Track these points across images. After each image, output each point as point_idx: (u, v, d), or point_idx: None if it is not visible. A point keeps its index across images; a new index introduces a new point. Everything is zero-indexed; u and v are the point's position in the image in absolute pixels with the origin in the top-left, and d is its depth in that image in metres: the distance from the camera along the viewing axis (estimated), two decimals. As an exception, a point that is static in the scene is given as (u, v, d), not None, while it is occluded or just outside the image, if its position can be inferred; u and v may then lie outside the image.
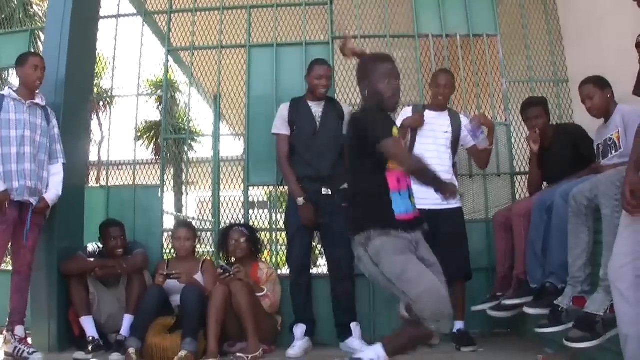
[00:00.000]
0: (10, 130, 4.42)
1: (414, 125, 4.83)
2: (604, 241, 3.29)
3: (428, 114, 4.94)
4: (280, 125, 5.01)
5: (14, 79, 7.19)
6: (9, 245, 4.56)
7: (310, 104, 4.97)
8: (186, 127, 7.13)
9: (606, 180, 3.34)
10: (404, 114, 5.02)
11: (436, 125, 4.90)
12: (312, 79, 4.94)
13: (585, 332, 3.24)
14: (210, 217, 6.36)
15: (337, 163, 4.84)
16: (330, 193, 4.78)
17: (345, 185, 4.85)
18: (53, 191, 4.65)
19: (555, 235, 3.89)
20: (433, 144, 4.85)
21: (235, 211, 6.11)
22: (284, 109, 5.05)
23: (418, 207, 4.71)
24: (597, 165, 4.17)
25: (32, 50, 6.06)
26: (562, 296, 3.65)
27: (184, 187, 6.78)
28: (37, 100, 4.63)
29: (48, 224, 4.76)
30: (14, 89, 4.63)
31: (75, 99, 5.24)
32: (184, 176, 6.67)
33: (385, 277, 3.12)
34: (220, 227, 5.61)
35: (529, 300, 4.03)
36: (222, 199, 5.98)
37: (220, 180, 5.93)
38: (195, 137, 16.43)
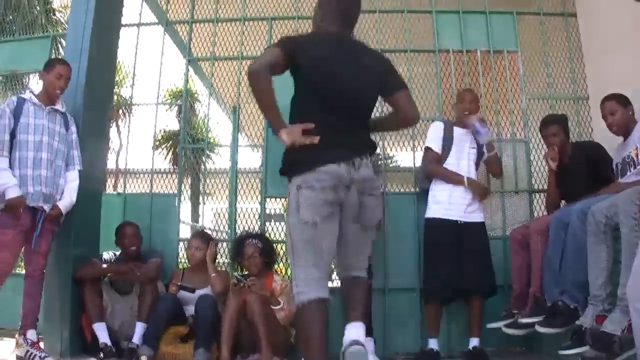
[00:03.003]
0: (29, 134, 4.43)
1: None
2: (622, 260, 3.27)
3: (457, 130, 4.97)
4: None
5: (34, 83, 7.27)
6: (22, 250, 4.56)
7: None
8: (204, 138, 7.12)
9: (625, 198, 3.32)
10: (436, 129, 5.05)
11: (465, 142, 4.93)
12: None
13: (602, 351, 3.21)
14: (226, 228, 6.33)
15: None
16: None
17: None
18: (67, 199, 4.65)
19: (570, 254, 3.86)
20: (464, 159, 4.91)
21: (251, 223, 6.09)
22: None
23: (448, 217, 4.78)
24: (616, 184, 4.13)
25: (54, 56, 6.12)
26: (583, 316, 3.60)
27: (200, 197, 6.75)
28: (57, 106, 4.65)
29: (64, 230, 4.76)
30: (35, 92, 4.65)
31: (95, 106, 5.25)
32: (201, 186, 6.65)
33: None
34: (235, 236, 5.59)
35: (544, 317, 3.99)
36: (238, 210, 5.97)
37: (238, 192, 5.93)
38: (214, 148, 16.58)
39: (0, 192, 4.26)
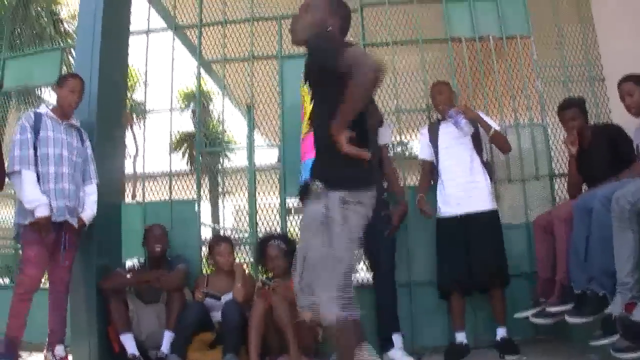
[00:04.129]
0: (49, 148, 4.44)
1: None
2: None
3: (443, 127, 5.02)
4: None
5: (46, 95, 7.30)
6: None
7: None
8: (220, 138, 7.12)
9: (650, 184, 3.27)
10: (420, 137, 5.21)
11: (455, 133, 4.88)
12: None
13: (632, 341, 3.15)
14: (246, 225, 6.34)
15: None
16: None
17: (384, 195, 4.86)
18: (89, 211, 4.69)
19: (595, 241, 3.79)
20: (456, 152, 4.90)
21: (272, 218, 6.08)
22: None
23: (451, 213, 4.75)
24: (638, 165, 4.08)
25: (64, 69, 6.15)
26: (612, 304, 3.54)
27: (219, 199, 6.76)
28: (73, 121, 4.67)
29: (86, 241, 4.79)
30: (50, 107, 4.66)
31: (108, 117, 5.27)
32: (219, 189, 6.65)
33: None
34: (257, 237, 5.59)
35: (572, 306, 3.94)
36: (258, 206, 6.00)
37: (256, 188, 5.97)
38: (230, 147, 16.68)
39: (31, 209, 4.28)
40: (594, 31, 5.80)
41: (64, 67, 6.37)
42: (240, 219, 7.49)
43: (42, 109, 4.61)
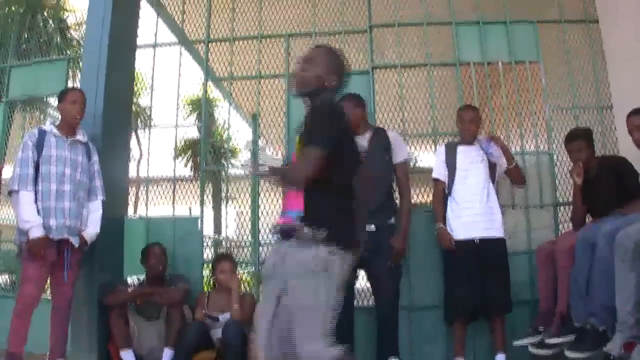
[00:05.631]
0: (51, 166, 4.45)
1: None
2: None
3: (460, 149, 4.97)
4: None
5: (52, 108, 7.30)
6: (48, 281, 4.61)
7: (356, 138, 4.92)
8: (225, 147, 7.12)
9: (654, 226, 3.25)
10: (438, 155, 5.14)
11: (472, 158, 4.89)
12: None
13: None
14: (249, 232, 6.35)
15: (384, 196, 4.81)
16: (374, 229, 4.55)
17: (392, 220, 4.82)
18: (91, 229, 4.69)
19: (597, 276, 3.79)
20: (472, 176, 4.86)
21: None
22: None
23: (467, 237, 4.74)
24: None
25: (70, 80, 6.17)
26: (611, 343, 3.53)
27: (222, 213, 6.75)
28: (79, 136, 4.67)
29: (88, 256, 4.79)
30: (56, 124, 4.67)
31: (114, 131, 5.30)
32: (222, 207, 6.64)
33: None
34: (260, 246, 5.71)
35: (572, 338, 3.95)
36: (261, 211, 5.97)
37: (259, 194, 5.95)
38: (235, 153, 16.64)
39: (25, 229, 4.30)
40: (604, 59, 5.75)
41: (71, 78, 6.37)
42: (243, 223, 7.49)
43: (47, 127, 4.62)
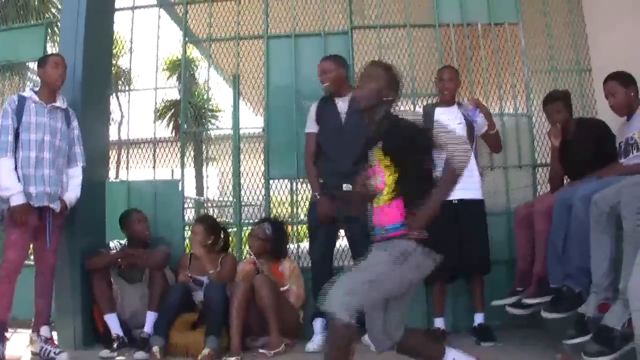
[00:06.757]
0: (31, 133, 4.42)
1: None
2: (624, 254, 3.26)
3: (439, 111, 4.94)
4: (310, 124, 5.05)
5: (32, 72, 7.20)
6: (31, 247, 4.62)
7: (337, 100, 4.93)
8: (205, 108, 7.11)
9: (629, 191, 3.29)
10: None
11: (450, 120, 4.87)
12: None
13: (603, 346, 3.22)
14: (231, 193, 6.37)
15: (362, 159, 4.83)
16: (351, 189, 4.51)
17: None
18: (72, 193, 4.69)
19: (574, 239, 3.83)
20: None
21: (256, 186, 6.07)
22: (312, 108, 5.08)
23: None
24: (618, 166, 4.13)
25: (49, 44, 6.08)
26: (586, 304, 3.60)
27: (203, 174, 6.77)
28: (58, 103, 4.62)
29: (70, 222, 4.80)
30: (36, 89, 4.63)
31: (94, 95, 5.27)
32: (204, 170, 6.67)
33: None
34: (241, 204, 5.80)
35: (548, 299, 4.01)
36: (243, 171, 6.00)
37: (241, 154, 5.95)
38: (215, 114, 16.66)
39: (5, 197, 4.29)
40: (584, 22, 5.76)
41: (49, 43, 6.29)
42: (225, 183, 7.51)
43: (27, 93, 4.56)
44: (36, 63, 4.73)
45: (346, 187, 4.63)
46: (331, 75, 4.90)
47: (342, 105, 4.89)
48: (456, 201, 4.71)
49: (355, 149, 4.79)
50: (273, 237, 5.01)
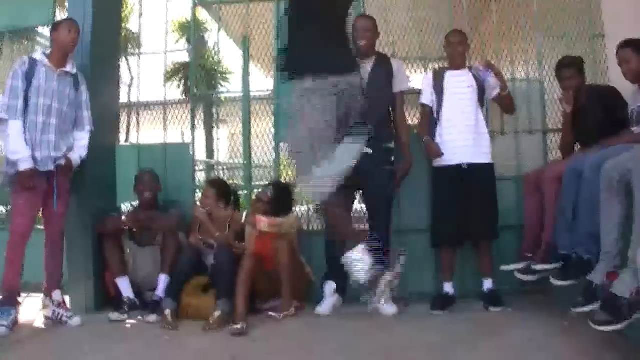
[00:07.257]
0: (39, 98, 4.40)
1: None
2: (635, 222, 3.25)
3: (448, 75, 4.94)
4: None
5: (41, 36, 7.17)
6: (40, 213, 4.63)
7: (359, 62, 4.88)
8: (215, 69, 7.08)
9: (639, 159, 3.28)
10: (424, 81, 5.11)
11: (460, 83, 4.88)
12: None
13: (611, 314, 3.22)
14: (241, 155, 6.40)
15: (384, 121, 4.84)
16: (370, 152, 4.49)
17: (391, 144, 4.88)
18: (76, 153, 4.67)
19: (583, 206, 3.82)
20: (460, 100, 4.85)
21: (266, 148, 6.07)
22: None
23: (453, 161, 4.75)
24: (630, 134, 4.11)
25: (58, 10, 6.03)
26: (594, 271, 3.58)
27: (214, 137, 6.77)
28: (68, 68, 4.60)
29: (81, 185, 4.84)
30: (47, 52, 4.61)
31: (103, 58, 5.24)
32: (214, 133, 6.67)
33: None
34: (251, 166, 5.87)
35: (557, 265, 4.04)
36: (253, 133, 6.02)
37: (251, 118, 5.96)
38: (225, 76, 16.58)
39: (13, 160, 4.30)
40: (597, -14, 5.67)
41: (57, 7, 6.23)
42: (234, 144, 7.54)
43: (38, 55, 4.53)
44: (45, 27, 4.70)
45: (365, 149, 4.55)
46: (369, 35, 4.84)
47: (364, 67, 4.75)
48: (466, 165, 4.72)
49: (378, 112, 4.78)
50: (273, 198, 4.99)
